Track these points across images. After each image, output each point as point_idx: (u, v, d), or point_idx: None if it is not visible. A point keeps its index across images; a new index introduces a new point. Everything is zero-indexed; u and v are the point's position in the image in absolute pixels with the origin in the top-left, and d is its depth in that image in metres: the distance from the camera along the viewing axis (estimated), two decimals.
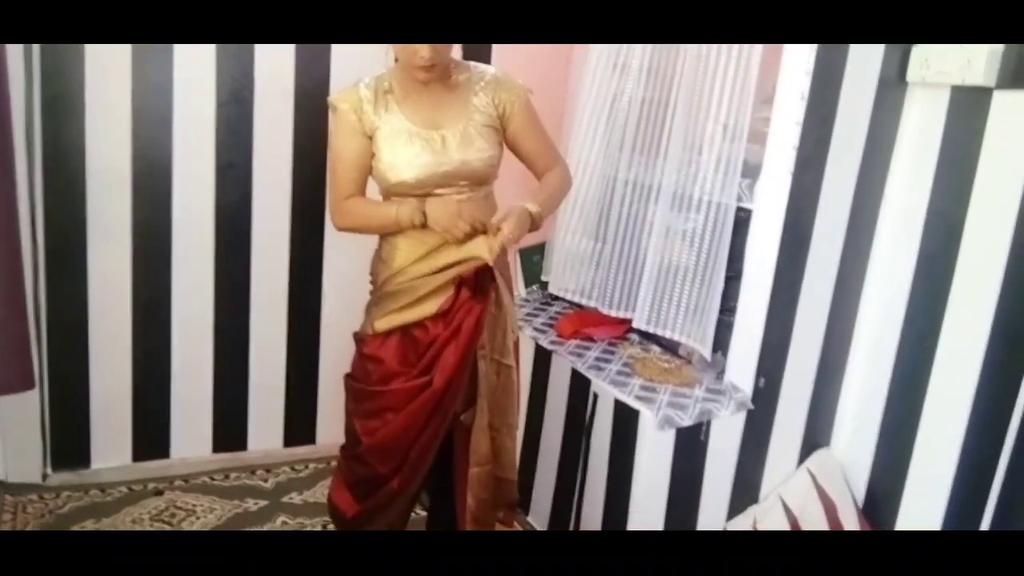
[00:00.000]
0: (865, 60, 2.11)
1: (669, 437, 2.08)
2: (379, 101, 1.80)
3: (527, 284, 2.97)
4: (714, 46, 2.23)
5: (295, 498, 2.60)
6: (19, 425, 2.47)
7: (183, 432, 2.75)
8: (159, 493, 2.55)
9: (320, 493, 2.60)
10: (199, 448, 2.78)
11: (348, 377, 1.97)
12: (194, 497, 2.55)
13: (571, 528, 2.35)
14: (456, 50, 1.85)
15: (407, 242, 1.84)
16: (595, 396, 2.24)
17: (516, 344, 1.96)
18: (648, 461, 2.08)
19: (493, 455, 1.92)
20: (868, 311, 2.36)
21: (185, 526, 2.40)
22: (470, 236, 1.76)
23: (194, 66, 2.48)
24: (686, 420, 2.08)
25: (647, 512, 2.12)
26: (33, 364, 2.39)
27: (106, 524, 2.36)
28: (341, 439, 2.00)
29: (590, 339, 2.53)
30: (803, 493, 2.32)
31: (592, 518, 2.26)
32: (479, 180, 1.86)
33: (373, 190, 1.91)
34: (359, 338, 1.94)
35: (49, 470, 2.58)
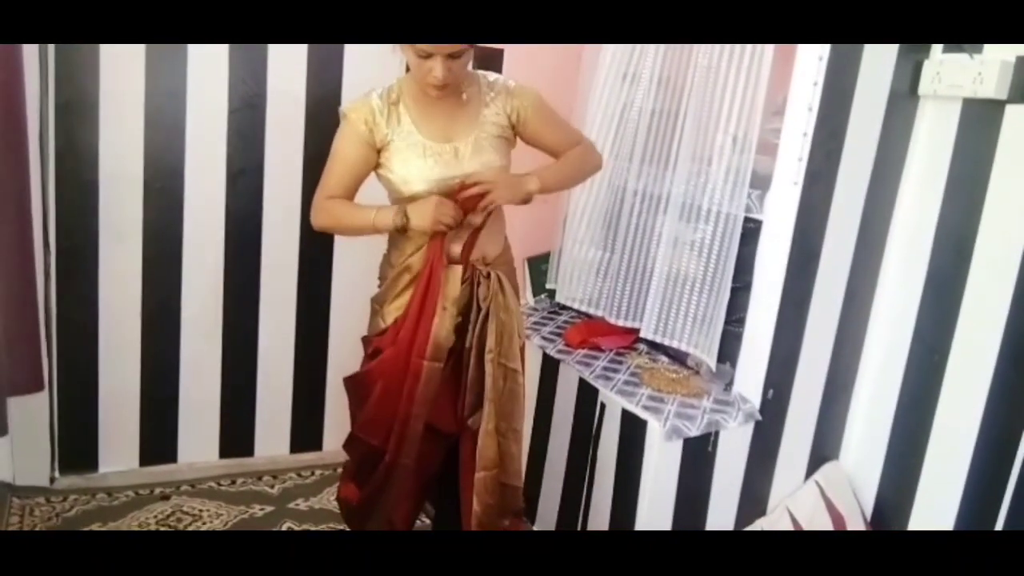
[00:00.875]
0: (876, 72, 2.11)
1: (676, 447, 2.08)
2: (391, 113, 1.81)
3: (535, 293, 2.98)
4: (724, 57, 2.24)
5: (301, 504, 2.60)
6: (28, 428, 2.47)
7: (190, 437, 2.76)
8: (165, 498, 2.56)
9: (326, 500, 2.60)
10: (206, 453, 2.79)
11: (348, 379, 1.99)
12: (200, 502, 2.55)
13: None
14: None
15: (410, 244, 1.87)
16: (602, 406, 2.24)
17: (522, 349, 1.97)
18: (655, 471, 2.07)
19: (499, 460, 1.92)
20: (878, 323, 2.35)
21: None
22: (458, 220, 1.79)
23: (207, 71, 2.50)
24: (694, 431, 2.07)
25: (654, 522, 2.11)
26: (43, 366, 2.41)
27: (112, 528, 2.36)
28: None
29: (598, 348, 2.53)
30: (811, 505, 2.31)
31: (598, 527, 2.25)
32: None
33: (374, 196, 1.91)
34: (367, 339, 1.96)
35: (57, 473, 2.59)
